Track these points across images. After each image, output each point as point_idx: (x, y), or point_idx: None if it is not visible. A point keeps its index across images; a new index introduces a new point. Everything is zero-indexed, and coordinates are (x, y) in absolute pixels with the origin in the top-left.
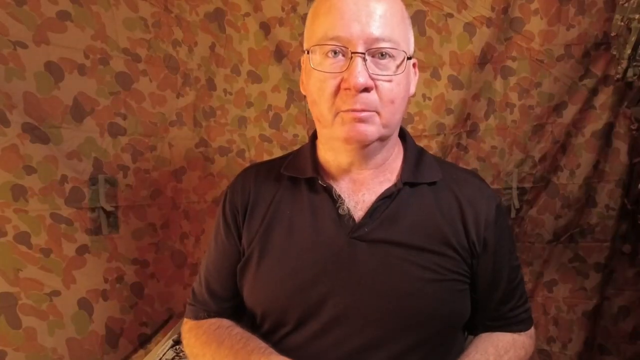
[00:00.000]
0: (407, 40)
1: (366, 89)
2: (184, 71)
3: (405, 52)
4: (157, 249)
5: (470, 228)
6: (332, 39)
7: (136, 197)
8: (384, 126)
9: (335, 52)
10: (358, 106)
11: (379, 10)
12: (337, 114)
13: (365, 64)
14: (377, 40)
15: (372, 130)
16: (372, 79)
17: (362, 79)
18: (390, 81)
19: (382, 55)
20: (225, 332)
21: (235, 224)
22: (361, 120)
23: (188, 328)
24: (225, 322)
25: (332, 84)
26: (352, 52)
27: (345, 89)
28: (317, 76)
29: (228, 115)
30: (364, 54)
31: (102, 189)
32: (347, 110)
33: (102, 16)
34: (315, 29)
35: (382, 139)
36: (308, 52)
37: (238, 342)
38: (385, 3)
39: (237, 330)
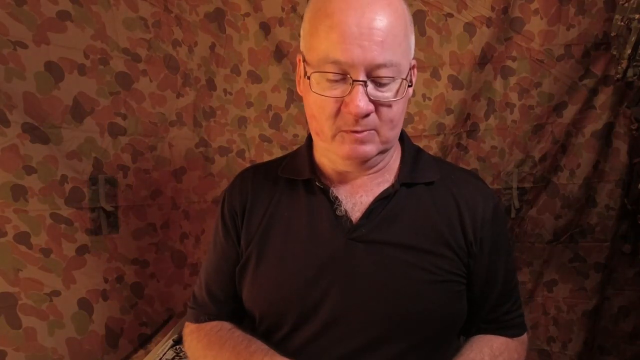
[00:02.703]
0: (408, 54)
1: (367, 114)
2: (184, 71)
3: (404, 79)
4: (157, 249)
5: (468, 228)
6: (332, 62)
7: (136, 197)
8: (383, 142)
9: (335, 74)
10: (358, 127)
11: (381, 33)
12: (337, 132)
13: (366, 90)
14: (379, 66)
15: (371, 148)
16: (372, 102)
17: (363, 106)
18: (390, 106)
19: (383, 78)
20: (227, 335)
21: (233, 226)
22: (362, 142)
23: (189, 331)
24: (227, 325)
25: (333, 107)
26: (354, 80)
27: (346, 112)
28: (318, 96)
29: (228, 115)
30: (365, 81)
31: (102, 189)
32: (348, 131)
33: (102, 16)
34: (315, 46)
35: (382, 153)
36: (305, 64)
37: (240, 343)
38: (388, 22)
39: (239, 333)
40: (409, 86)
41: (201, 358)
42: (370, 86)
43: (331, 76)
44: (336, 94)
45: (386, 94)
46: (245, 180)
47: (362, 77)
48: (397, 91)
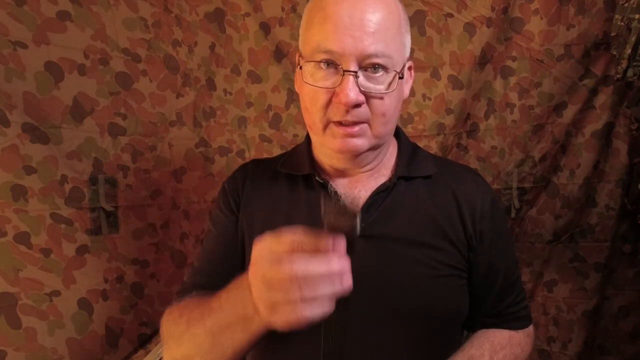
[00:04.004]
0: (402, 50)
1: (357, 104)
2: (184, 71)
3: (397, 71)
4: (157, 249)
5: (467, 221)
6: (324, 52)
7: (136, 197)
8: (375, 137)
9: (328, 64)
10: (349, 118)
11: (373, 25)
12: (327, 124)
13: (357, 81)
14: (370, 56)
15: (363, 142)
16: (364, 93)
17: (353, 96)
18: (381, 98)
19: (375, 68)
20: (196, 298)
21: (236, 206)
22: (352, 135)
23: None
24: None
25: (324, 97)
26: (344, 70)
27: (337, 103)
28: (310, 87)
29: (228, 115)
30: (355, 72)
31: (102, 189)
32: (338, 122)
33: (102, 16)
34: (309, 38)
35: (375, 148)
36: (301, 58)
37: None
38: (381, 15)
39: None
40: (401, 78)
41: (173, 325)
42: (361, 77)
43: (323, 66)
44: (327, 84)
45: (378, 87)
46: (247, 172)
47: (353, 67)
48: (389, 84)
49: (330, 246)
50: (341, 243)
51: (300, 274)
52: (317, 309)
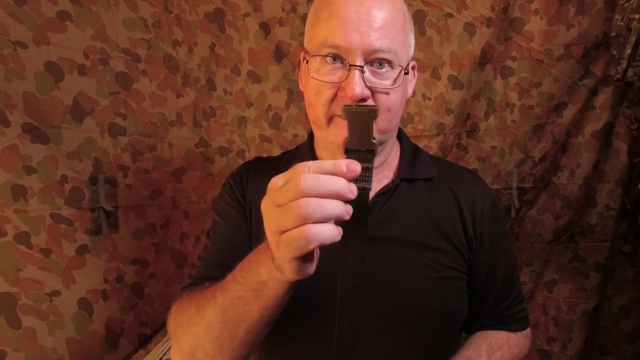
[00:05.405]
0: (406, 47)
1: (363, 99)
2: (184, 71)
3: (402, 67)
4: (157, 249)
5: (468, 223)
6: (331, 46)
7: (136, 197)
8: (380, 132)
9: (334, 59)
10: None
11: (379, 20)
12: (332, 117)
13: (363, 76)
14: (376, 51)
15: None
16: (370, 88)
17: (359, 90)
18: (387, 93)
19: (380, 64)
20: (208, 285)
21: (243, 199)
22: None
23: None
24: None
25: (329, 92)
26: (351, 65)
27: (343, 97)
28: (316, 82)
29: (228, 115)
30: (362, 66)
31: (102, 189)
32: (342, 116)
33: (102, 16)
34: (316, 33)
35: (379, 144)
36: (307, 54)
37: (211, 285)
38: (387, 11)
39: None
40: (406, 73)
41: (182, 313)
42: (367, 72)
43: (329, 60)
44: (334, 79)
45: (384, 82)
46: (250, 170)
47: (359, 62)
48: (395, 80)
49: (344, 167)
50: (354, 163)
51: (309, 189)
52: (324, 230)
